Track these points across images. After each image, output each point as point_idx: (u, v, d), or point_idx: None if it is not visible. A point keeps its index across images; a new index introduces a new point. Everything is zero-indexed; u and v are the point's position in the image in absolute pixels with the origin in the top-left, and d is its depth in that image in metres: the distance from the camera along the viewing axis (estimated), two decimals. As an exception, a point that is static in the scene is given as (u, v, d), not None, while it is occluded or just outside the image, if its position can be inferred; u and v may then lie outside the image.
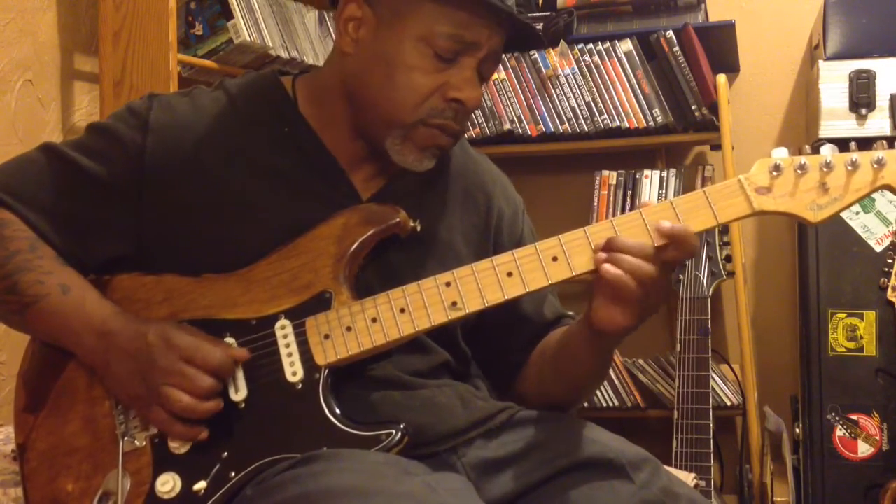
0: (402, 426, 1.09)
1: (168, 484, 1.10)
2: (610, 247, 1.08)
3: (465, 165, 1.34)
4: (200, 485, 1.09)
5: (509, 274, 1.10)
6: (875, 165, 1.06)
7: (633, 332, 1.14)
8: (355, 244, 1.15)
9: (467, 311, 1.11)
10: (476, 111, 2.73)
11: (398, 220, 1.17)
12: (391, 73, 1.16)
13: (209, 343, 1.11)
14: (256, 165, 1.21)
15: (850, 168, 1.06)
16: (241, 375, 1.13)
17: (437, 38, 1.13)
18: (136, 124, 1.21)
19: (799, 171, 1.07)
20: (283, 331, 1.13)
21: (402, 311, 1.12)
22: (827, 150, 1.08)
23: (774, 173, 1.08)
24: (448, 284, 1.11)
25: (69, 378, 1.19)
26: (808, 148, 1.10)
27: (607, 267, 1.07)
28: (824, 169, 1.07)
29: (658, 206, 1.10)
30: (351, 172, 1.24)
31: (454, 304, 1.11)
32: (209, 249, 1.18)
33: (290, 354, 1.13)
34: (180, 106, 1.24)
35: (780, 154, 1.09)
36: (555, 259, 1.10)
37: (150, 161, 1.19)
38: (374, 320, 1.12)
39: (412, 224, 1.18)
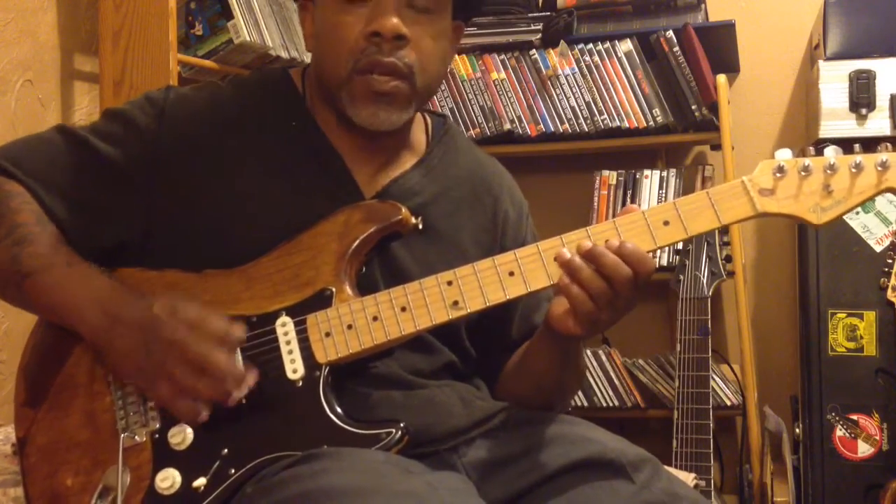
0: (402, 425, 1.09)
1: (167, 480, 1.10)
2: (585, 255, 1.08)
3: (472, 167, 1.35)
4: (200, 481, 1.09)
5: (511, 273, 1.10)
6: (879, 168, 1.05)
7: (585, 339, 1.15)
8: (357, 241, 1.15)
9: (469, 311, 1.11)
10: (475, 108, 2.76)
11: (400, 217, 1.17)
12: (324, 37, 1.20)
13: (215, 315, 1.09)
14: (265, 161, 1.22)
15: (853, 170, 1.06)
16: None
17: None
18: (152, 112, 1.22)
19: (802, 173, 1.07)
20: (284, 328, 1.13)
21: (404, 309, 1.11)
22: (830, 152, 1.08)
23: (778, 175, 1.08)
24: (450, 283, 1.11)
25: (70, 373, 1.19)
26: (811, 150, 1.10)
27: (563, 277, 1.08)
28: (828, 171, 1.06)
29: (662, 207, 1.10)
30: (355, 169, 1.24)
31: (455, 303, 1.11)
32: (213, 242, 1.19)
33: (290, 352, 1.12)
34: (196, 99, 1.25)
35: (784, 155, 1.09)
36: (557, 259, 1.10)
37: (164, 149, 1.20)
38: (374, 318, 1.12)
39: (414, 221, 1.18)
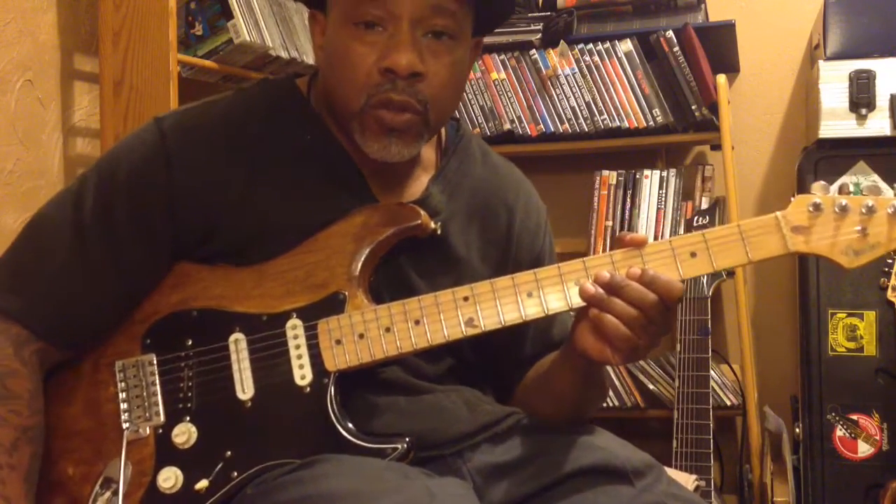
0: (407, 439, 1.09)
1: (170, 480, 1.10)
2: (606, 286, 1.05)
3: (488, 177, 1.32)
4: (202, 483, 1.09)
5: (529, 294, 1.08)
6: None
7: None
8: (374, 244, 1.14)
9: (484, 329, 1.09)
10: (475, 108, 2.75)
11: (419, 221, 1.15)
12: (335, 62, 1.14)
13: None
14: (280, 178, 1.17)
15: (891, 212, 1.03)
16: (248, 374, 1.12)
17: (355, 8, 1.11)
18: (160, 162, 1.15)
19: (838, 211, 1.04)
20: (294, 331, 1.12)
21: (417, 322, 1.09)
22: (868, 191, 1.05)
23: (812, 211, 1.04)
24: (466, 299, 1.09)
25: (73, 360, 1.17)
26: (849, 184, 1.07)
27: (595, 311, 1.05)
28: (864, 212, 1.03)
29: (690, 238, 1.07)
30: (371, 180, 1.21)
31: (471, 320, 1.09)
32: (229, 259, 1.16)
33: (299, 356, 1.11)
34: (197, 127, 1.19)
35: (820, 190, 1.05)
36: (577, 284, 1.07)
37: (179, 193, 1.15)
38: (387, 330, 1.10)
39: (433, 226, 1.17)
